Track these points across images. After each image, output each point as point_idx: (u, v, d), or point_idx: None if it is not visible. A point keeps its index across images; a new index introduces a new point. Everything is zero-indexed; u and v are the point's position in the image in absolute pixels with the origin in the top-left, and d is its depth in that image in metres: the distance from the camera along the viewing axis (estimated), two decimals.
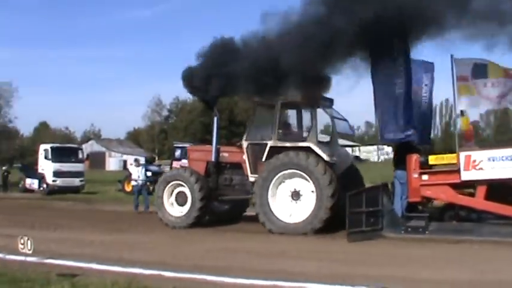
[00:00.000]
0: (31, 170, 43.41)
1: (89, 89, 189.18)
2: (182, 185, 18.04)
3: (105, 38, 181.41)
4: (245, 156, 17.72)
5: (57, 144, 45.26)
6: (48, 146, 41.45)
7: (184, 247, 14.10)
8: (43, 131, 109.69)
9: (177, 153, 36.91)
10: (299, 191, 16.36)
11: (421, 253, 12.57)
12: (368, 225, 14.69)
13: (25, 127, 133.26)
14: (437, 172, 15.04)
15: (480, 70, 15.00)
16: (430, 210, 16.07)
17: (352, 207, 14.38)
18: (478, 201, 14.46)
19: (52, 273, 9.77)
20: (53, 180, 39.16)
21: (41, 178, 39.96)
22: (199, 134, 60.20)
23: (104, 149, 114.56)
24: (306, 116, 17.89)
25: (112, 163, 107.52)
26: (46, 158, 40.14)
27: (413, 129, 15.82)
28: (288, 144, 16.81)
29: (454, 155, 14.87)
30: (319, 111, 17.30)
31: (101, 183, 46.44)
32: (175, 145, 42.94)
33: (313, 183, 15.89)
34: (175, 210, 18.13)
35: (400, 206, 15.74)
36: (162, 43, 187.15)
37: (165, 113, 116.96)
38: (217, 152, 18.64)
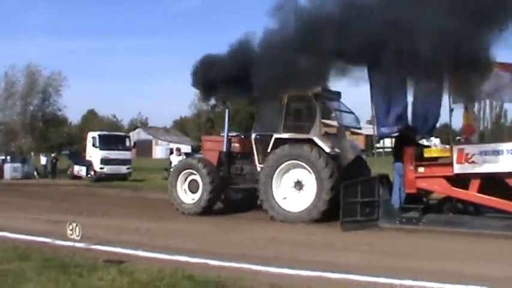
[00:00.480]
0: (79, 157, 44.10)
1: (136, 77, 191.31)
2: (194, 174, 18.82)
3: (154, 28, 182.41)
4: (253, 147, 18.47)
5: (105, 132, 45.79)
6: (96, 134, 41.97)
7: (231, 236, 14.09)
8: (91, 119, 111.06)
9: None
10: (302, 181, 16.89)
11: (463, 247, 12.35)
12: (363, 215, 15.16)
13: (73, 115, 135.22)
14: (432, 165, 15.38)
15: None
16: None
17: (346, 197, 14.88)
18: (471, 194, 14.60)
19: (99, 259, 9.86)
20: (101, 168, 39.69)
21: (89, 165, 40.53)
22: (245, 123, 60.19)
23: (150, 137, 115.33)
24: (313, 108, 17.91)
25: (158, 151, 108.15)
26: (94, 145, 40.68)
27: (406, 123, 16.41)
28: (292, 136, 17.30)
29: (448, 148, 15.34)
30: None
31: (148, 171, 46.88)
32: (221, 134, 43.05)
33: (315, 175, 16.38)
34: (187, 197, 18.94)
35: (399, 197, 15.81)
36: (211, 33, 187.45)
37: (211, 102, 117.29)
38: (229, 142, 19.48)
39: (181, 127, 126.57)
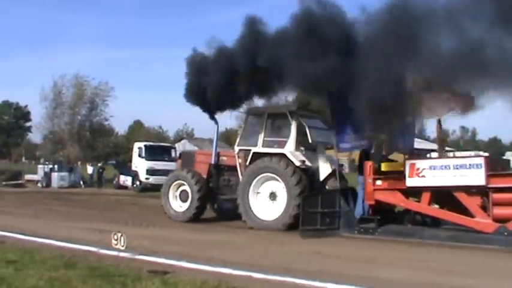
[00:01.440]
0: (125, 167, 44.52)
1: (183, 88, 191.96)
2: (184, 184, 20.34)
3: (200, 39, 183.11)
4: (237, 160, 19.72)
5: (151, 143, 46.14)
6: (142, 144, 42.36)
7: (275, 249, 14.02)
8: (137, 129, 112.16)
9: None
10: (275, 192, 18.14)
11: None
12: (323, 224, 16.43)
13: (120, 125, 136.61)
14: (388, 178, 16.30)
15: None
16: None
17: (306, 207, 16.34)
18: (422, 206, 15.76)
19: (143, 269, 9.88)
20: (146, 178, 40.02)
21: (134, 175, 40.91)
22: None
23: (196, 148, 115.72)
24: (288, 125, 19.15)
25: None
26: (140, 155, 41.06)
27: (366, 139, 17.66)
28: (267, 151, 18.77)
29: (401, 162, 16.33)
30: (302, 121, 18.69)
31: None
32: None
33: (284, 184, 17.66)
34: (178, 206, 20.44)
35: (362, 208, 16.83)
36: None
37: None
38: (217, 156, 20.98)
39: (227, 138, 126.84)
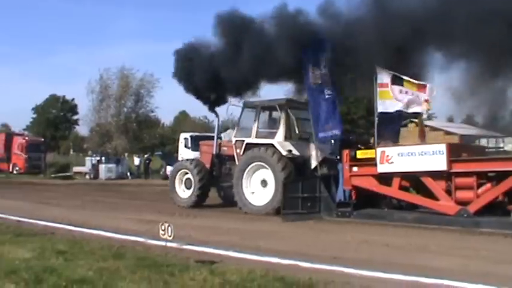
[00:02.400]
0: (171, 157, 44.70)
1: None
2: (188, 173, 22.07)
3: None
4: (234, 150, 21.20)
5: (197, 133, 46.24)
6: (188, 135, 42.49)
7: (322, 238, 13.93)
8: (183, 120, 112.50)
9: None
10: (266, 180, 19.47)
11: None
12: (304, 208, 17.75)
13: (166, 116, 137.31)
14: (363, 165, 17.41)
15: (397, 80, 16.91)
16: None
17: (287, 192, 17.72)
18: (393, 191, 16.87)
19: (191, 259, 9.90)
20: None
21: None
22: (344, 124, 60.00)
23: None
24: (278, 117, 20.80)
25: None
26: (186, 146, 41.18)
27: (341, 128, 18.78)
28: (258, 141, 20.20)
29: (373, 150, 17.25)
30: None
31: None
32: None
33: (272, 172, 19.06)
34: (183, 193, 22.15)
35: (342, 193, 17.83)
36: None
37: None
38: (219, 146, 22.53)
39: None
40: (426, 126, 48.91)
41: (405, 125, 25.08)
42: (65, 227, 14.88)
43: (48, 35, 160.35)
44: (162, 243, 10.68)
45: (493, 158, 16.62)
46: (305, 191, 17.86)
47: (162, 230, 10.57)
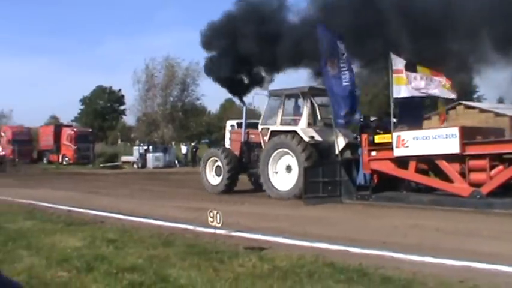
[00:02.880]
0: (218, 145, 44.74)
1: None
2: (217, 161, 23.09)
3: None
4: (261, 138, 22.01)
5: (243, 120, 46.21)
6: (234, 122, 42.42)
7: (371, 223, 13.81)
8: (229, 108, 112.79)
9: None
10: (291, 165, 20.21)
11: None
12: (325, 192, 18.22)
13: (212, 104, 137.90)
14: (380, 149, 17.95)
15: (411, 66, 17.44)
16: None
17: (307, 177, 18.26)
18: (410, 174, 17.43)
19: (240, 246, 9.93)
20: None
21: None
22: (385, 107, 59.32)
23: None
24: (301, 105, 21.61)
25: None
26: None
27: (358, 114, 19.73)
28: (282, 128, 21.04)
29: (390, 135, 17.58)
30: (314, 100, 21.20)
31: None
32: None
33: (296, 159, 19.78)
34: (214, 180, 23.18)
35: (363, 176, 18.37)
36: None
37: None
38: (247, 134, 23.38)
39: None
40: (474, 108, 48.60)
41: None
42: (114, 215, 15.06)
43: (94, 26, 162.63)
44: (211, 230, 10.70)
45: (505, 140, 17.04)
46: (325, 176, 18.40)
47: (211, 217, 10.60)
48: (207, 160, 23.61)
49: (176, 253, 9.19)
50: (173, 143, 58.17)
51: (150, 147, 50.66)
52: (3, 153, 54.81)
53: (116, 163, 51.95)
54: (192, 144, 53.21)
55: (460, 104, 46.44)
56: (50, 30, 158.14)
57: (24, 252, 9.60)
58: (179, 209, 16.88)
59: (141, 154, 49.90)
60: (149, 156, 48.27)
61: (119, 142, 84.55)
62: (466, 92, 56.23)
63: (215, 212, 10.47)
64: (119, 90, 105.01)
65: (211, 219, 10.53)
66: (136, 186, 27.87)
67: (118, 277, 7.58)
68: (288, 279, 7.41)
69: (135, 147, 54.27)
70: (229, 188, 22.54)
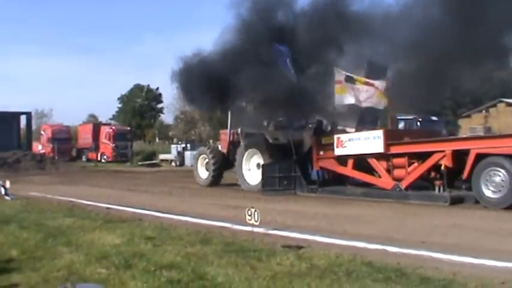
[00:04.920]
0: None
1: None
2: (206, 158, 26.31)
3: None
4: (241, 138, 24.76)
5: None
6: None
7: (410, 222, 13.63)
8: None
9: (400, 125, 36.10)
10: (260, 163, 22.64)
11: None
12: (281, 186, 20.97)
13: None
14: (326, 149, 20.59)
15: (350, 79, 19.94)
16: None
17: (265, 173, 21.19)
18: (348, 170, 19.96)
19: (277, 244, 9.89)
20: None
21: None
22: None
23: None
24: None
25: None
26: None
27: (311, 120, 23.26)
28: (254, 131, 24.20)
29: (333, 136, 20.16)
30: None
31: None
32: (397, 117, 42.26)
33: (262, 156, 22.74)
34: (203, 174, 26.50)
35: (316, 173, 20.81)
36: None
37: None
38: (232, 135, 26.08)
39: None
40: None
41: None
42: (152, 213, 15.16)
43: (131, 25, 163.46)
44: (249, 228, 10.70)
45: (419, 141, 18.55)
46: (281, 172, 21.02)
47: (249, 215, 10.60)
48: (198, 157, 27.16)
49: (214, 251, 9.21)
50: (211, 141, 58.33)
51: (188, 145, 50.87)
52: (43, 151, 55.60)
53: (154, 161, 52.32)
54: None
55: (501, 101, 45.85)
56: (88, 30, 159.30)
57: (64, 248, 9.69)
58: (217, 207, 16.95)
59: (179, 152, 50.14)
60: (187, 154, 48.40)
61: (157, 140, 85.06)
62: (507, 90, 55.43)
63: (253, 210, 10.47)
64: (157, 88, 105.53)
65: (249, 217, 10.53)
66: (175, 184, 28.02)
67: (156, 274, 7.61)
68: (325, 278, 7.37)
69: (173, 145, 54.59)
70: (215, 181, 25.69)
